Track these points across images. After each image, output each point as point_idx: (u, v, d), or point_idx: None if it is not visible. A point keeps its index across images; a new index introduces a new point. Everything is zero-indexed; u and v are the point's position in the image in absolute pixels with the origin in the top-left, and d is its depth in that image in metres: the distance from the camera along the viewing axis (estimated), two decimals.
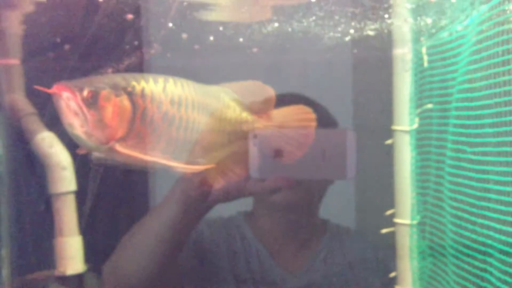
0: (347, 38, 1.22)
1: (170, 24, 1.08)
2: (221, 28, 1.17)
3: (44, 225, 1.10)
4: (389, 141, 1.07)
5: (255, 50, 1.30)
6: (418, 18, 1.04)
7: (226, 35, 1.18)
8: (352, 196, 1.57)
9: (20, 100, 1.08)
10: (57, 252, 1.07)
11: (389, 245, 1.10)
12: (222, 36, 1.19)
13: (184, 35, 1.15)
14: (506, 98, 0.69)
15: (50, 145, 1.05)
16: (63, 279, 1.07)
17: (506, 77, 0.68)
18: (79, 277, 1.08)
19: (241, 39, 1.20)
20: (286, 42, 1.24)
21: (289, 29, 1.20)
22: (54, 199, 1.07)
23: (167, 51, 1.15)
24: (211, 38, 1.21)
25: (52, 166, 1.06)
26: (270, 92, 0.94)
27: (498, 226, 0.73)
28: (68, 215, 1.07)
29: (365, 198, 1.58)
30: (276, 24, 1.17)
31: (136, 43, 1.10)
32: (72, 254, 1.07)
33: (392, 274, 1.10)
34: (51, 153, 1.05)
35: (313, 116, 0.95)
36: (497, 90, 0.70)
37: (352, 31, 1.19)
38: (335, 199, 1.29)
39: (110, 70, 1.00)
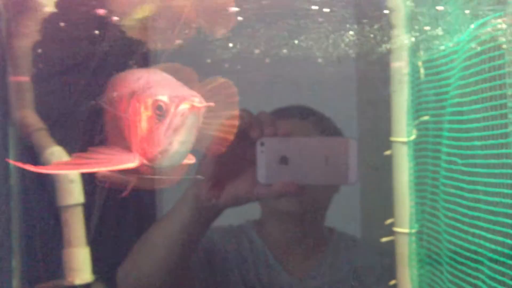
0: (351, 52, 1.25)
1: None
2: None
3: (53, 237, 1.12)
4: (388, 152, 1.10)
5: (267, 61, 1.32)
6: (415, 33, 1.07)
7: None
8: (357, 205, 1.59)
9: (30, 116, 1.11)
10: (66, 263, 1.10)
11: (394, 253, 1.12)
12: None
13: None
14: (492, 113, 0.72)
15: (59, 159, 1.08)
16: None
17: (493, 93, 0.71)
18: (87, 286, 1.10)
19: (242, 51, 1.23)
20: (293, 56, 1.26)
21: (295, 45, 1.23)
22: (63, 211, 1.09)
23: None
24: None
25: (60, 179, 1.09)
26: (191, 73, 0.89)
27: (488, 235, 0.76)
28: (76, 226, 1.10)
29: (370, 207, 1.60)
30: (283, 40, 1.20)
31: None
32: (80, 265, 1.09)
33: (392, 282, 1.12)
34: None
35: (235, 90, 0.91)
36: (485, 104, 0.73)
37: (355, 45, 1.22)
38: (341, 208, 1.31)
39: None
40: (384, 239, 1.12)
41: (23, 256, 1.13)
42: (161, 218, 1.08)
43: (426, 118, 1.03)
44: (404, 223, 1.09)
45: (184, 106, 0.70)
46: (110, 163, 0.75)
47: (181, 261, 1.04)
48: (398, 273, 1.11)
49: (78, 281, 1.08)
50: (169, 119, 0.71)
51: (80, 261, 1.09)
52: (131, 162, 0.74)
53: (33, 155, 1.10)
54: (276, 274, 1.22)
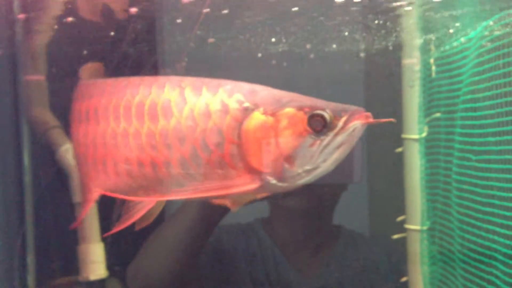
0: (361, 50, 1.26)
1: None
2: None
3: (68, 233, 1.13)
4: (399, 149, 1.10)
5: (273, 62, 1.33)
6: (426, 30, 1.07)
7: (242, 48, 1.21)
8: (365, 203, 1.59)
9: (45, 114, 1.12)
10: (81, 258, 1.10)
11: (402, 250, 1.12)
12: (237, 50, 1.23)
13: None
14: (507, 108, 0.72)
15: (73, 156, 1.08)
16: (87, 284, 1.11)
17: (507, 89, 0.71)
18: (102, 282, 1.11)
19: (260, 54, 1.24)
20: (304, 55, 1.27)
21: (308, 44, 1.23)
22: (77, 208, 1.10)
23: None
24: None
25: (75, 176, 1.09)
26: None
27: (502, 230, 0.76)
28: (90, 223, 1.10)
29: (378, 204, 1.60)
30: (295, 38, 1.20)
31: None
32: (94, 260, 1.10)
33: (404, 279, 1.13)
34: (74, 164, 1.08)
35: None
36: (499, 100, 0.73)
37: (364, 43, 1.22)
38: (349, 206, 1.31)
39: None
40: (395, 236, 1.13)
41: (37, 252, 1.13)
42: (169, 218, 1.09)
43: (437, 115, 1.03)
44: (416, 220, 1.09)
45: (357, 121, 0.65)
46: (233, 186, 0.68)
47: (189, 259, 1.05)
48: (410, 269, 1.11)
49: (93, 276, 1.09)
50: (332, 134, 0.66)
51: (95, 257, 1.09)
52: (255, 183, 0.67)
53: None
54: (284, 272, 1.22)
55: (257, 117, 0.67)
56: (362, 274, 1.25)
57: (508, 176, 0.73)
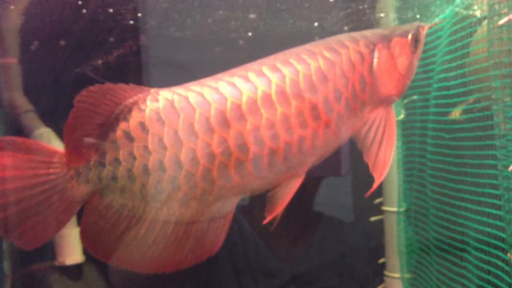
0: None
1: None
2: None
3: None
4: None
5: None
6: (403, 12, 1.07)
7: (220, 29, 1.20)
8: (348, 189, 1.60)
9: (18, 98, 1.11)
10: (57, 243, 1.09)
11: (381, 236, 1.13)
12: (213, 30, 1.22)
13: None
14: (478, 86, 0.73)
15: (48, 140, 1.07)
16: (63, 269, 1.10)
17: (478, 66, 0.72)
18: (78, 267, 1.10)
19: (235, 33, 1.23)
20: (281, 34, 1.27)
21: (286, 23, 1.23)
22: None
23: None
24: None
25: None
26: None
27: (474, 207, 0.77)
28: None
29: (361, 190, 1.61)
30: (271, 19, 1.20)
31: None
32: (71, 245, 1.09)
33: (381, 260, 1.14)
34: None
35: None
36: (470, 78, 0.74)
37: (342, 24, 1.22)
38: (333, 192, 1.32)
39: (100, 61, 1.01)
40: (373, 219, 1.13)
41: None
42: None
43: (414, 97, 1.04)
44: (393, 202, 1.10)
45: (424, 31, 0.79)
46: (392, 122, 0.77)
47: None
48: (387, 251, 1.12)
49: (69, 261, 1.08)
50: (419, 47, 0.79)
51: (71, 242, 1.08)
52: (390, 107, 0.78)
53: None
54: (266, 259, 1.22)
55: (381, 53, 0.77)
56: (342, 260, 1.26)
57: (480, 152, 0.74)
